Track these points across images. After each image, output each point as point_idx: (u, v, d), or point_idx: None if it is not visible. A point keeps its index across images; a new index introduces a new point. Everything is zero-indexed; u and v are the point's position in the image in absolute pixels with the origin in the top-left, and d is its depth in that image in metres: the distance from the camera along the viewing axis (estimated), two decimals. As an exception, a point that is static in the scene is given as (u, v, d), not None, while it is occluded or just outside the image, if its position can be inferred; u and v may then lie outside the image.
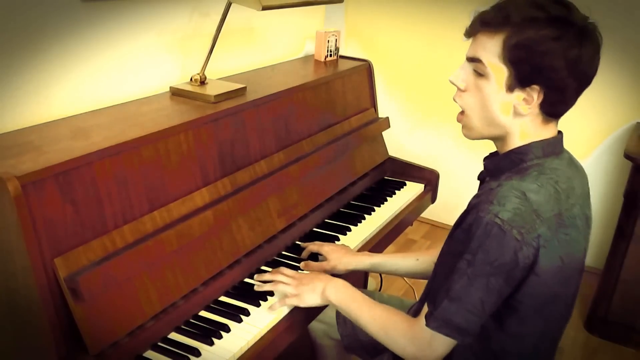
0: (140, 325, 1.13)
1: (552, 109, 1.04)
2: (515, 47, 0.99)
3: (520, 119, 1.05)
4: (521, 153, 1.07)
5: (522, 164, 1.06)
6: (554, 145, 1.08)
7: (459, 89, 1.09)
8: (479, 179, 1.21)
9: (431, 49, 2.97)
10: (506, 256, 0.98)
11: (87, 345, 1.03)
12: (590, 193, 1.18)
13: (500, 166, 1.10)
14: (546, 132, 1.07)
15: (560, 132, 1.11)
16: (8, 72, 1.25)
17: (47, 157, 1.07)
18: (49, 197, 1.02)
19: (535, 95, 1.01)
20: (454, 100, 1.11)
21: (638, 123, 2.57)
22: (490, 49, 1.01)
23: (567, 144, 1.14)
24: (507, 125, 1.06)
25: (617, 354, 2.32)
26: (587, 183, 1.16)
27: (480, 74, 1.05)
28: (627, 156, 2.18)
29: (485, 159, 1.16)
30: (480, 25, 1.03)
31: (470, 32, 1.06)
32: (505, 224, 0.97)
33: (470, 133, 1.12)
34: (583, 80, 1.02)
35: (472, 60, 1.05)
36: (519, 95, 1.02)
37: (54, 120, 1.32)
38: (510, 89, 1.02)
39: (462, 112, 1.11)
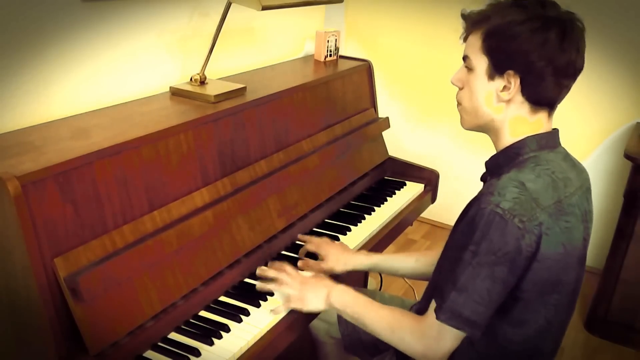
0: (140, 325, 1.14)
1: (534, 95, 1.09)
2: (488, 36, 1.08)
3: (505, 108, 1.10)
4: (517, 147, 1.11)
5: (519, 157, 1.11)
6: (548, 139, 1.12)
7: (458, 87, 1.17)
8: (481, 180, 1.23)
9: (431, 49, 2.97)
10: (509, 245, 1.00)
11: (87, 345, 1.03)
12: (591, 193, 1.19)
13: (499, 163, 1.14)
14: (538, 125, 1.12)
15: (555, 129, 1.14)
16: (8, 72, 1.25)
17: (47, 157, 1.07)
18: (49, 197, 1.02)
19: (512, 80, 1.07)
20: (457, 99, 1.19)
21: (638, 123, 2.57)
22: (474, 44, 1.10)
23: (567, 144, 1.15)
24: (492, 114, 1.12)
25: (617, 354, 2.32)
26: (588, 179, 1.18)
27: (470, 69, 1.13)
28: (627, 156, 2.18)
29: (487, 160, 1.19)
30: (466, 27, 1.13)
31: (464, 37, 1.14)
32: (506, 213, 1.00)
33: (463, 122, 1.19)
34: (557, 66, 1.05)
35: (464, 59, 1.14)
36: (499, 83, 1.09)
37: (54, 120, 1.32)
38: (491, 77, 1.09)
39: (460, 104, 1.19)
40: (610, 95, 2.62)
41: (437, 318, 1.06)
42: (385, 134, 2.06)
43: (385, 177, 2.06)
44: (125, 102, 1.49)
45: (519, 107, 1.10)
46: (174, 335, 1.20)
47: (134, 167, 1.19)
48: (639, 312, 2.30)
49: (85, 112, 1.39)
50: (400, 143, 3.14)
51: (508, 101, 1.09)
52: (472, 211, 1.05)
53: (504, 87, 1.08)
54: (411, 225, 2.02)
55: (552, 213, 1.03)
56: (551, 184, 1.06)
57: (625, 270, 2.26)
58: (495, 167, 1.15)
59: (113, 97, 1.49)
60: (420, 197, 1.96)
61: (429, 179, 2.02)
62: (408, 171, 2.05)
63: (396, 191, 1.94)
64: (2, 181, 0.96)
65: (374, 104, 2.08)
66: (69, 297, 1.02)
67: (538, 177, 1.05)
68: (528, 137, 1.10)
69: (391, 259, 1.48)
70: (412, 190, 1.97)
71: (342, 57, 2.15)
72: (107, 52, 1.46)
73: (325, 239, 1.51)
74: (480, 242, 1.02)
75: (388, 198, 1.88)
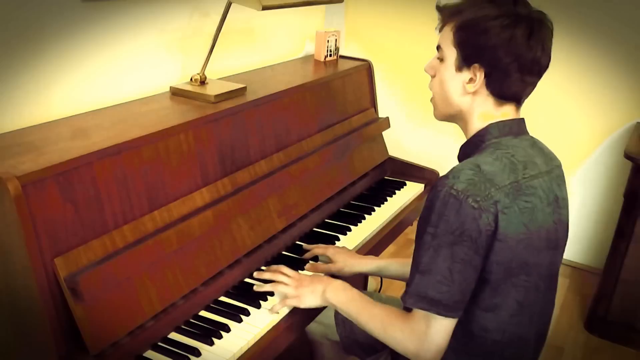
0: (140, 325, 1.14)
1: (498, 90, 1.12)
2: (459, 29, 1.12)
3: (471, 100, 1.14)
4: (481, 135, 1.15)
5: (482, 144, 1.14)
6: (511, 126, 1.15)
7: (430, 75, 1.21)
8: None
9: (431, 49, 2.96)
10: (466, 224, 1.02)
11: (87, 345, 1.03)
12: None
13: (467, 152, 1.18)
14: (503, 115, 1.14)
15: (522, 118, 1.17)
16: (8, 72, 1.25)
17: (47, 157, 1.07)
18: (49, 197, 1.02)
19: (478, 74, 1.11)
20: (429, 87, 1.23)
21: (638, 123, 2.57)
22: (447, 35, 1.15)
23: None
24: (460, 104, 1.16)
25: (617, 354, 2.32)
26: (559, 167, 1.20)
27: (441, 60, 1.17)
28: (627, 156, 2.18)
29: (458, 155, 1.22)
30: (442, 19, 1.18)
31: (440, 27, 1.19)
32: (460, 194, 1.03)
33: (435, 113, 1.25)
34: (523, 63, 1.08)
35: (437, 49, 1.19)
36: (466, 75, 1.13)
37: (54, 120, 1.32)
38: (459, 68, 1.13)
39: (432, 94, 1.23)
40: (610, 95, 2.62)
41: (405, 303, 1.08)
42: (385, 133, 2.06)
43: (385, 177, 2.06)
44: (125, 102, 1.49)
45: (485, 100, 1.13)
46: (174, 335, 1.20)
47: (134, 167, 1.19)
48: (639, 312, 2.30)
49: (85, 112, 1.39)
50: (400, 143, 3.14)
51: (474, 93, 1.13)
52: (430, 195, 1.08)
53: (470, 80, 1.12)
54: (411, 225, 2.01)
55: (508, 192, 1.05)
56: (509, 166, 1.08)
57: (625, 270, 2.26)
58: (464, 157, 1.17)
59: (113, 97, 1.49)
60: (420, 197, 1.95)
61: (429, 179, 2.02)
62: (408, 171, 2.05)
63: (396, 191, 1.94)
64: (2, 181, 0.96)
65: (374, 104, 2.08)
66: (69, 297, 1.02)
67: (495, 160, 1.08)
68: (491, 124, 1.14)
69: (398, 263, 1.48)
70: (412, 190, 1.97)
71: (342, 57, 2.15)
72: (107, 52, 1.46)
73: (330, 245, 1.53)
74: (437, 223, 1.04)
75: (388, 198, 1.88)
